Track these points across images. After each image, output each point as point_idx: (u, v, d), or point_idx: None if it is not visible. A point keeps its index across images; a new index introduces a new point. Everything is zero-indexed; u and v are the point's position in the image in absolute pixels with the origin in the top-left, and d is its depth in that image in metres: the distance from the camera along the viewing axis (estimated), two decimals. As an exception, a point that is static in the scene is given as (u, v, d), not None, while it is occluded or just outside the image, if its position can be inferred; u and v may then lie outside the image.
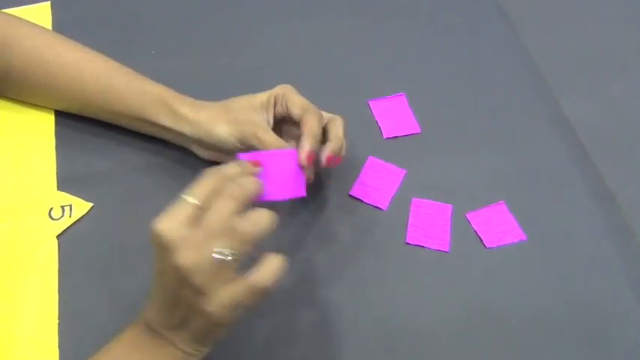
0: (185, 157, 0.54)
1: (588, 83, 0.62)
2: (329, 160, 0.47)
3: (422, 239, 0.51)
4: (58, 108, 0.56)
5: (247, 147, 0.47)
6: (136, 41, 0.63)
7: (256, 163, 0.42)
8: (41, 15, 0.62)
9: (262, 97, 0.48)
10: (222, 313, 0.36)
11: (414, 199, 0.54)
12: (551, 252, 0.51)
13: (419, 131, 0.58)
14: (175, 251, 0.34)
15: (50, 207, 0.52)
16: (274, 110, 0.48)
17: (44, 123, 0.56)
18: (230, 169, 0.39)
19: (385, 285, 0.49)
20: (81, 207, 0.52)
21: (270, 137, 0.46)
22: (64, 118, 0.56)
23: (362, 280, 0.49)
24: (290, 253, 0.47)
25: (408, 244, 0.51)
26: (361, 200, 0.54)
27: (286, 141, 0.48)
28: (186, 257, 0.34)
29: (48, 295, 0.47)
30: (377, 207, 0.53)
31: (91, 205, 0.52)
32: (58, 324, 0.46)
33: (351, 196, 0.54)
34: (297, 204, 0.52)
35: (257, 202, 0.41)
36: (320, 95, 0.59)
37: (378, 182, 0.55)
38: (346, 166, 0.55)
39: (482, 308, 0.48)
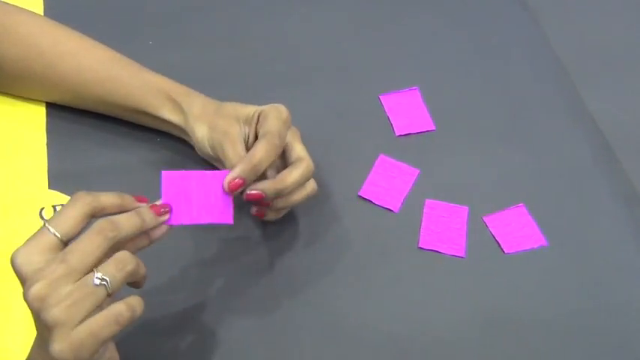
0: (185, 155, 0.53)
1: (614, 77, 0.61)
2: (248, 197, 0.43)
3: (436, 244, 0.51)
4: (51, 100, 0.55)
5: (217, 156, 0.47)
6: (131, 30, 0.62)
7: (140, 199, 0.40)
8: (32, 4, 0.61)
9: (250, 110, 0.47)
10: (64, 356, 0.33)
11: (427, 200, 0.53)
12: (574, 258, 0.51)
13: (433, 128, 0.57)
14: (28, 285, 0.34)
15: (41, 207, 0.51)
16: (256, 127, 0.47)
17: (35, 116, 0.55)
18: (105, 197, 0.37)
19: (396, 293, 0.49)
20: None
21: (233, 152, 0.45)
22: (56, 111, 0.55)
23: (371, 288, 0.49)
24: (294, 257, 0.50)
25: (420, 248, 0.51)
26: (371, 201, 0.53)
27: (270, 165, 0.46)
28: (37, 292, 0.33)
29: None
30: (388, 209, 0.53)
31: None
32: None
33: (360, 197, 0.53)
34: (302, 206, 0.50)
35: (183, 225, 0.41)
36: (328, 89, 0.59)
37: (389, 182, 0.54)
38: (355, 165, 0.55)
39: (500, 318, 0.48)
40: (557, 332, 0.47)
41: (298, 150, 0.47)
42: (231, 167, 0.44)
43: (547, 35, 0.64)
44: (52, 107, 0.56)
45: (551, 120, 0.58)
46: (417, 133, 0.57)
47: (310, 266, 0.49)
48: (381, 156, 0.55)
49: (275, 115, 0.45)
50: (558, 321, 0.47)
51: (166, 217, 0.40)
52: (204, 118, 0.48)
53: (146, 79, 0.51)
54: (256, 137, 0.47)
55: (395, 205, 0.53)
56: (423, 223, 0.52)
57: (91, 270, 0.35)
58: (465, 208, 0.53)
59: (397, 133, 0.57)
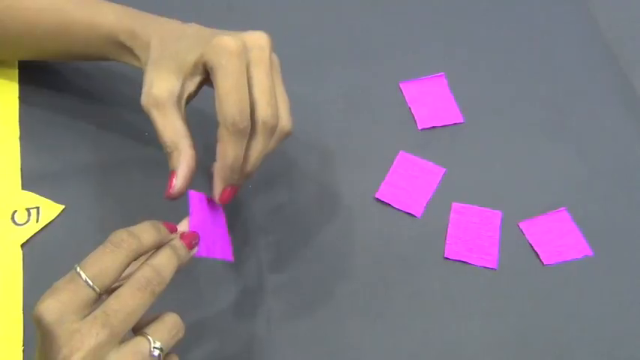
0: None
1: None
2: (223, 199, 0.41)
3: (464, 253, 0.50)
4: (18, 58, 0.55)
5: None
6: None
7: (171, 228, 0.39)
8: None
9: (193, 55, 0.41)
10: None
11: (454, 204, 0.52)
12: (622, 270, 0.50)
13: (462, 120, 0.57)
14: (66, 353, 0.32)
15: (13, 210, 0.50)
16: (202, 79, 0.42)
17: (6, 108, 0.55)
18: (146, 237, 0.36)
19: (419, 309, 0.48)
20: (50, 209, 0.50)
21: (162, 122, 0.41)
22: (31, 99, 0.55)
23: (390, 303, 0.48)
24: (302, 268, 0.49)
25: (447, 259, 0.50)
26: (390, 205, 0.52)
27: None
28: (69, 353, 0.32)
29: (11, 317, 0.46)
30: (409, 213, 0.52)
31: (62, 207, 0.51)
32: (24, 350, 0.45)
33: (377, 199, 0.52)
34: (310, 209, 0.51)
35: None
36: (341, 75, 0.59)
37: (410, 183, 0.53)
38: (372, 164, 0.54)
39: (538, 338, 0.47)
40: (601, 354, 0.46)
41: (276, 108, 0.41)
42: (164, 145, 0.41)
43: (595, 15, 0.63)
44: (26, 96, 0.55)
45: (598, 113, 0.58)
46: (443, 126, 0.57)
47: (320, 278, 0.49)
48: (402, 153, 0.55)
49: (224, 68, 0.39)
50: (605, 342, 0.47)
51: (196, 249, 0.39)
52: (150, 66, 0.43)
53: (92, 23, 0.48)
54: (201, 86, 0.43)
55: (417, 209, 0.52)
56: (449, 230, 0.51)
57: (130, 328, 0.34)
58: (498, 213, 0.52)
59: (420, 127, 0.56)
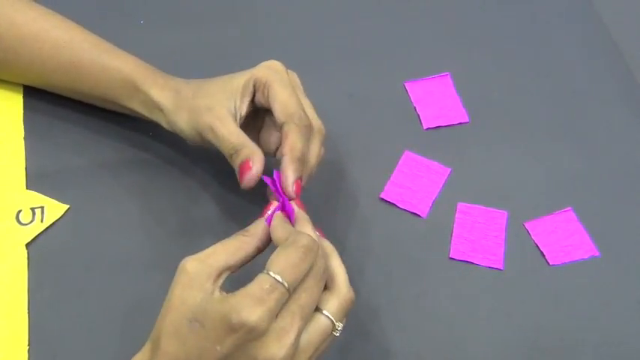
0: (175, 152, 0.54)
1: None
2: (296, 187, 0.45)
3: (470, 254, 0.51)
4: (24, 83, 0.57)
5: (208, 140, 0.47)
6: (120, 8, 0.63)
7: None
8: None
9: (240, 79, 0.47)
10: None
11: (460, 204, 0.53)
12: (629, 270, 0.50)
13: (467, 120, 0.58)
14: (275, 348, 0.36)
15: (18, 209, 0.51)
16: (253, 98, 0.47)
17: (10, 108, 0.56)
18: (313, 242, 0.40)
19: (424, 310, 0.48)
20: (55, 209, 0.51)
21: (226, 130, 0.45)
22: (35, 102, 0.56)
23: (395, 304, 0.49)
24: None
25: (452, 259, 0.51)
26: (395, 205, 0.53)
27: (270, 134, 0.48)
28: (279, 350, 0.36)
29: (15, 316, 0.47)
30: (414, 213, 0.53)
31: (66, 207, 0.51)
32: (29, 350, 0.46)
33: (382, 199, 0.53)
34: (314, 210, 0.50)
35: None
36: (345, 75, 0.60)
37: (415, 183, 0.54)
38: (376, 164, 0.54)
39: (544, 340, 0.47)
40: (609, 355, 0.47)
41: (309, 112, 0.47)
42: (230, 147, 0.45)
43: (601, 14, 0.64)
44: (30, 98, 0.56)
45: (605, 112, 0.58)
46: (448, 125, 0.57)
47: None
48: (407, 152, 0.55)
49: (278, 79, 0.46)
50: (611, 343, 0.47)
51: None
52: (182, 105, 0.48)
53: (109, 66, 0.51)
54: (253, 107, 0.47)
55: (422, 209, 0.53)
56: (454, 230, 0.52)
57: None
58: (504, 213, 0.53)
59: (425, 126, 0.57)
